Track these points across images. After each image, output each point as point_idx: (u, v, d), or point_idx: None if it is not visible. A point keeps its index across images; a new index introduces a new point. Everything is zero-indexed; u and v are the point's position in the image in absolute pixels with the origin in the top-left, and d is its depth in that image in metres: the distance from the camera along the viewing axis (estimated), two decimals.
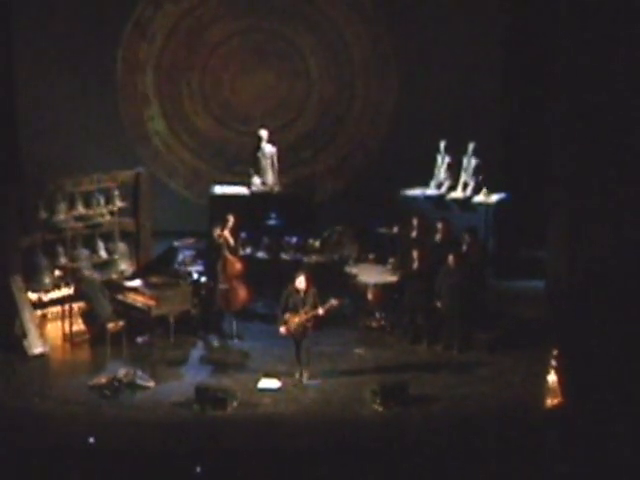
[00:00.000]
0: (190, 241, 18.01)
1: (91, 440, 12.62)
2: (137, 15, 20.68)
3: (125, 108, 20.94)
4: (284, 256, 17.99)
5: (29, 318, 15.83)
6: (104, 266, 17.29)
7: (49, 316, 16.42)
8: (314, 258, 17.81)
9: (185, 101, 21.04)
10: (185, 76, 20.94)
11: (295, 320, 14.58)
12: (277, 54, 20.72)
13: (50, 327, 16.34)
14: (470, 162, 18.38)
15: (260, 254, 18.12)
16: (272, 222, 18.50)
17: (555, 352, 14.00)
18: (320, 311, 14.56)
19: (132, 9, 20.65)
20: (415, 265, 15.78)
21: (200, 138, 21.09)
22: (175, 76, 20.97)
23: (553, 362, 13.94)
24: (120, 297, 16.18)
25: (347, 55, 20.64)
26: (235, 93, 20.93)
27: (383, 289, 16.51)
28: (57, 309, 16.40)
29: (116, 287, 16.47)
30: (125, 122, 20.95)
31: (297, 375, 14.72)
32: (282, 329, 14.69)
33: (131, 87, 20.95)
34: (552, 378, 13.85)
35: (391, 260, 17.06)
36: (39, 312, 16.26)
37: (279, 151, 19.39)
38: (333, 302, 14.60)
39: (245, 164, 19.68)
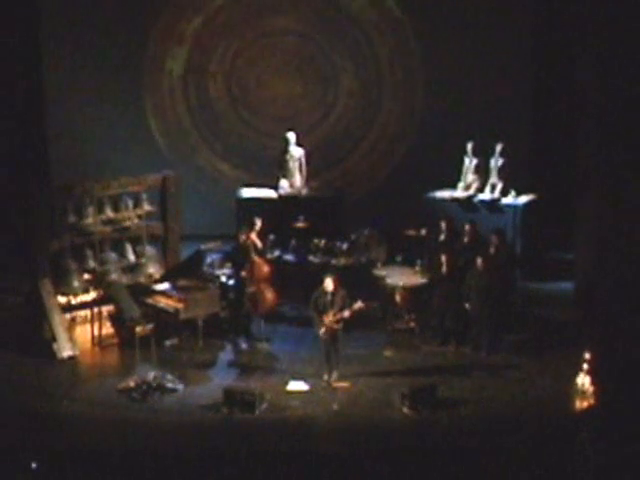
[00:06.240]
0: (218, 244, 18.02)
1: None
2: (165, 20, 20.76)
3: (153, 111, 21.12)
4: (312, 259, 17.97)
5: (58, 322, 15.90)
6: (132, 270, 17.34)
7: (78, 319, 16.43)
8: (342, 261, 17.77)
9: (214, 103, 21.11)
10: (212, 79, 21.03)
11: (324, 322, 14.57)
12: (305, 57, 20.76)
13: (79, 330, 16.37)
14: (498, 163, 18.30)
15: (288, 257, 18.11)
16: (300, 225, 18.47)
17: (586, 354, 13.89)
18: (346, 313, 14.51)
19: (160, 13, 20.71)
20: (443, 268, 15.74)
21: (228, 140, 21.15)
22: (203, 80, 21.06)
23: (584, 365, 13.84)
24: (149, 300, 16.22)
25: (374, 58, 20.63)
26: (263, 95, 20.99)
27: (411, 291, 16.46)
28: (86, 312, 16.42)
29: (144, 290, 16.52)
30: (154, 127, 21.10)
31: (325, 377, 14.70)
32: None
33: (159, 89, 21.10)
34: (581, 380, 13.77)
35: (419, 262, 17.01)
36: (68, 315, 16.29)
37: (307, 154, 19.41)
38: (359, 304, 14.56)
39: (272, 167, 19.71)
